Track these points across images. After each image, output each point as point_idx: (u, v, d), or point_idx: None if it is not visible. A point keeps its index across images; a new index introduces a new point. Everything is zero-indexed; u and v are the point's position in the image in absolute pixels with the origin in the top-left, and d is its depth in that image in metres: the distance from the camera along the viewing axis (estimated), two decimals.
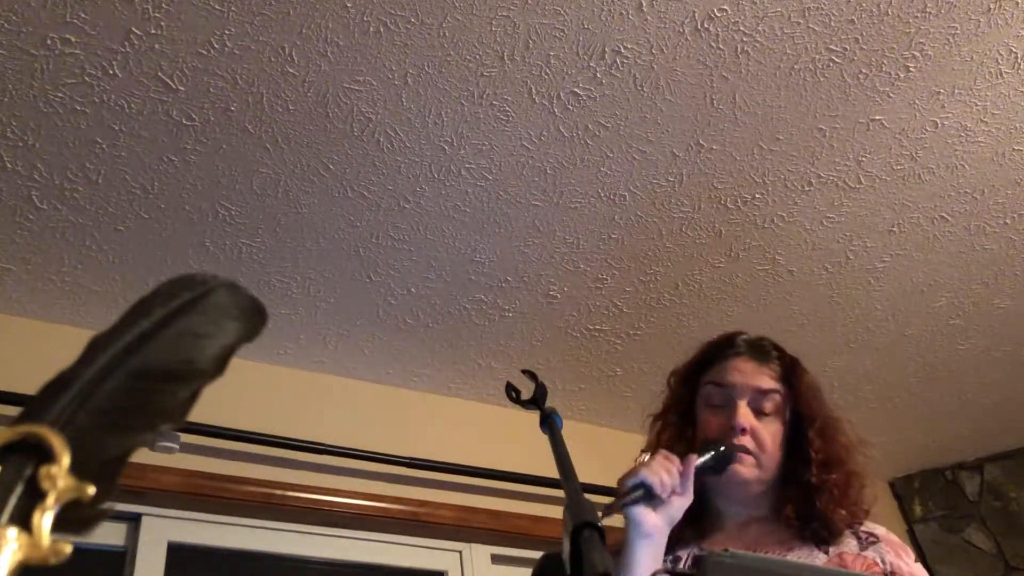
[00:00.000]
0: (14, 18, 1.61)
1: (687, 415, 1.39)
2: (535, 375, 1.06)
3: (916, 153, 2.24)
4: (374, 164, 2.04)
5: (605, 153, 2.10)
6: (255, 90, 1.82)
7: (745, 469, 1.27)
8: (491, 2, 1.73)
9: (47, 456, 0.41)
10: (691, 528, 1.28)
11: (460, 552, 2.65)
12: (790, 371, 1.37)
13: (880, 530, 1.28)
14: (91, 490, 0.40)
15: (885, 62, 1.98)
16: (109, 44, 1.68)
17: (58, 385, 0.45)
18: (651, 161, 2.14)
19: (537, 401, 1.03)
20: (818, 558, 1.23)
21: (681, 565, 1.24)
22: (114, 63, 1.72)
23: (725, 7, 1.81)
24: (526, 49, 1.83)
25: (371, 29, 1.74)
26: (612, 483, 1.23)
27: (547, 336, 2.70)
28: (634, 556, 1.15)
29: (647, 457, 1.25)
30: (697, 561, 0.79)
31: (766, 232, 2.42)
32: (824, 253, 2.53)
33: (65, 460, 0.41)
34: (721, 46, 1.88)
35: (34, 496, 0.40)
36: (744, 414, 1.30)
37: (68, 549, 0.38)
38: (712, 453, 1.25)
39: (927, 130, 2.17)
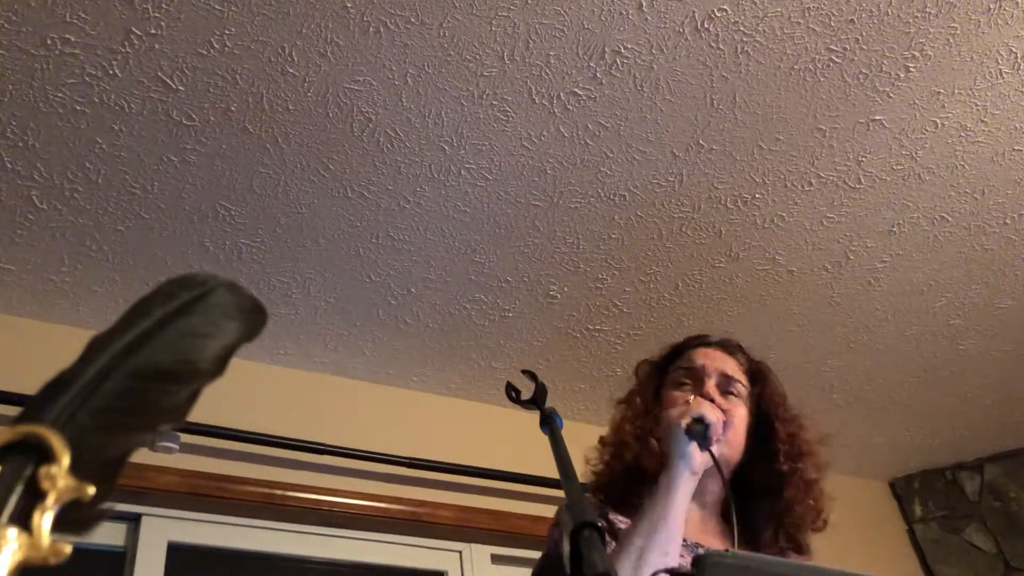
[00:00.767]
0: (14, 18, 1.61)
1: (654, 400, 1.40)
2: (535, 375, 1.06)
3: (916, 153, 2.24)
4: (374, 164, 2.04)
5: (605, 153, 2.10)
6: (255, 90, 1.82)
7: (715, 447, 1.24)
8: (491, 2, 1.73)
9: (47, 456, 0.41)
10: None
11: (460, 552, 2.64)
12: (756, 371, 1.41)
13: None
14: (91, 490, 0.40)
15: (885, 62, 1.98)
16: (109, 44, 1.68)
17: (58, 385, 0.45)
18: (651, 161, 2.14)
19: (537, 401, 1.03)
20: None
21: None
22: (114, 63, 1.72)
23: (725, 7, 1.81)
24: (526, 49, 1.83)
25: (371, 29, 1.74)
26: None
27: (547, 336, 2.69)
28: (678, 493, 1.13)
29: (693, 399, 1.25)
30: (696, 561, 0.79)
31: (766, 232, 2.42)
32: (824, 253, 2.53)
33: (65, 460, 0.40)
34: (721, 46, 1.88)
35: (34, 496, 0.40)
36: (712, 388, 1.31)
37: (68, 549, 0.38)
38: (699, 420, 1.22)
39: (927, 130, 2.17)
